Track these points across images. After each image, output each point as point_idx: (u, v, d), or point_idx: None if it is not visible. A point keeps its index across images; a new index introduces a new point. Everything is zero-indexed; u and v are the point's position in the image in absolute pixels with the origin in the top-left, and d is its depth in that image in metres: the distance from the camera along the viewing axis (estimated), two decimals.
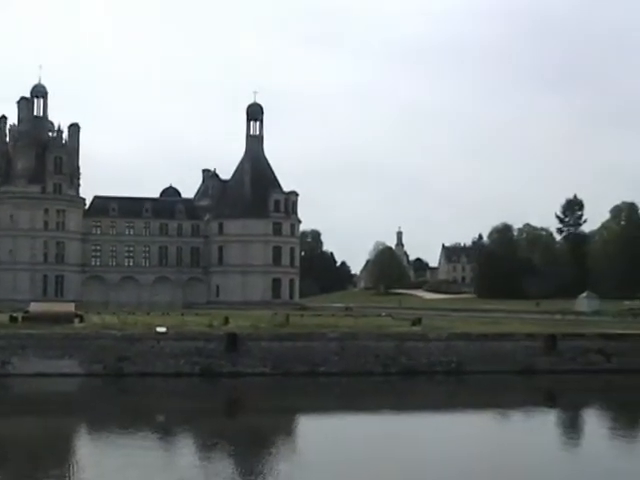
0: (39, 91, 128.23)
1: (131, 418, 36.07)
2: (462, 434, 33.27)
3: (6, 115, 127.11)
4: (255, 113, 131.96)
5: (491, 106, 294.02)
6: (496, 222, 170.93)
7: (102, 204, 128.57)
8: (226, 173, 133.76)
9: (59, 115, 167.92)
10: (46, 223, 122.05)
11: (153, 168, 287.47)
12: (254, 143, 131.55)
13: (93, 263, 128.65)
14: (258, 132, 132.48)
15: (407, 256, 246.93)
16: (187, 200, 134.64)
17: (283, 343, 47.82)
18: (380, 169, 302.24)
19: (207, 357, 46.69)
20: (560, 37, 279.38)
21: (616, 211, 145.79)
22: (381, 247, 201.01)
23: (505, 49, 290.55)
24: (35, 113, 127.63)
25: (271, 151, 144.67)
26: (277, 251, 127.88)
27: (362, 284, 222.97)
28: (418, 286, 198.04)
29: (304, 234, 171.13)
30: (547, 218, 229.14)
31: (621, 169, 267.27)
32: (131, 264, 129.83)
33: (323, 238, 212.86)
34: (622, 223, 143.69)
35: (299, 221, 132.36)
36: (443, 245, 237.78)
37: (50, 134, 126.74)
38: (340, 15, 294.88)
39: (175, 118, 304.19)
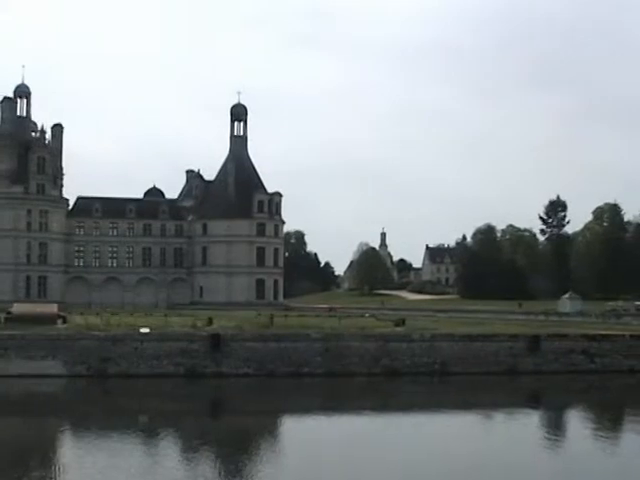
0: (22, 91, 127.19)
1: (115, 419, 36.03)
2: (445, 434, 33.42)
3: None
4: (239, 114, 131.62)
5: (475, 107, 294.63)
6: (480, 223, 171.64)
7: (85, 205, 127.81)
8: (210, 174, 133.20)
9: (42, 115, 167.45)
10: (29, 224, 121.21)
11: (137, 169, 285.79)
12: (238, 144, 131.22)
13: (76, 264, 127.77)
14: (242, 133, 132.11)
15: (391, 257, 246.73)
16: (171, 201, 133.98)
17: (267, 344, 47.85)
18: (364, 170, 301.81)
19: (191, 358, 46.65)
20: (545, 37, 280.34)
21: (599, 212, 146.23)
22: (365, 248, 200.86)
23: (490, 49, 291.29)
24: (18, 113, 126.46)
25: (255, 152, 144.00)
26: (261, 252, 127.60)
27: (346, 285, 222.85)
28: (402, 287, 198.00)
29: (288, 235, 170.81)
30: (530, 219, 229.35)
31: (605, 170, 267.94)
32: (114, 265, 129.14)
33: (307, 239, 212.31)
34: (604, 224, 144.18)
35: (283, 222, 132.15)
36: (427, 246, 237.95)
37: (33, 134, 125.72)
38: (324, 15, 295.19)
39: (158, 118, 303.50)
